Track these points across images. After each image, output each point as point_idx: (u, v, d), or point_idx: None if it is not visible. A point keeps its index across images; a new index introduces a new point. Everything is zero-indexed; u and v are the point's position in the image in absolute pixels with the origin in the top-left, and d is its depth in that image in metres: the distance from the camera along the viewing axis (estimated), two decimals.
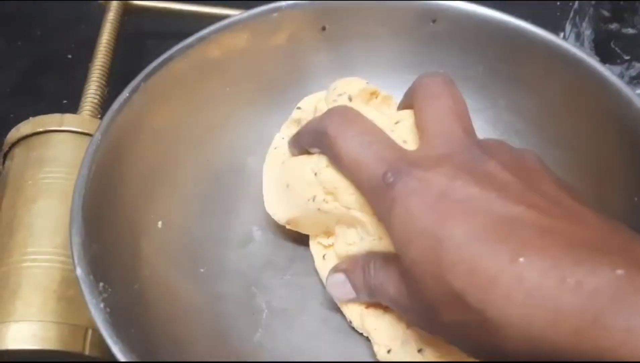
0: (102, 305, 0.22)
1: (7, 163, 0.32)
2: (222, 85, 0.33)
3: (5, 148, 0.32)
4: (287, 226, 0.29)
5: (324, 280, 0.28)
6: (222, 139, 0.33)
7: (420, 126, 0.24)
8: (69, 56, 0.48)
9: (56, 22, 0.50)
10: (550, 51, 0.31)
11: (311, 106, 0.31)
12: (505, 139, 0.32)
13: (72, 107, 0.38)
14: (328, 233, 0.28)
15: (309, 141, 0.27)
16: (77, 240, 0.23)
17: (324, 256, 0.28)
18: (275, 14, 0.33)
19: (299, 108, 0.32)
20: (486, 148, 0.22)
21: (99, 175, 0.26)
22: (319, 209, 0.26)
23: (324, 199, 0.25)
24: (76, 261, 0.23)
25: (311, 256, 0.29)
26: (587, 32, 0.39)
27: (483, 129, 0.32)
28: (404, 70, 0.33)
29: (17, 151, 0.31)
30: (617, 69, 0.38)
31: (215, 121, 0.33)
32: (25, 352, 0.25)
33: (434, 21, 0.33)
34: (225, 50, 0.32)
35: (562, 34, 0.43)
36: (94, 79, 0.38)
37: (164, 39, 0.49)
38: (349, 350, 0.27)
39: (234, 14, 0.44)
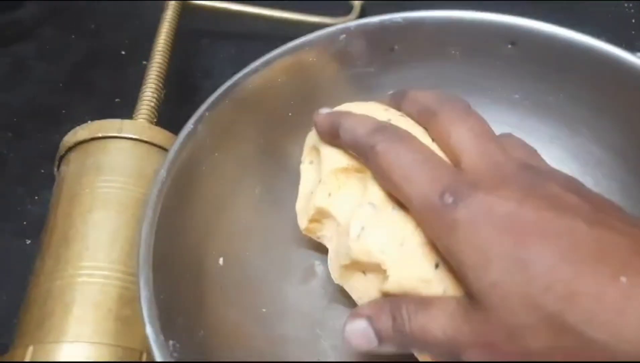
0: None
1: (62, 167, 0.31)
2: (285, 109, 0.31)
3: (61, 151, 0.31)
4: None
5: None
6: (283, 165, 0.31)
7: (455, 147, 0.23)
8: (123, 52, 0.47)
9: (111, 17, 0.49)
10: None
11: None
12: (588, 171, 0.31)
13: (125, 106, 0.37)
14: None
15: (350, 142, 0.26)
16: (145, 294, 0.22)
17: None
18: (342, 36, 0.31)
19: None
20: (537, 170, 0.22)
21: (164, 217, 0.25)
22: None
23: None
24: (146, 319, 0.21)
25: None
26: None
27: (561, 159, 0.31)
28: (477, 94, 0.31)
29: (74, 156, 0.30)
30: None
31: (277, 149, 0.31)
32: None
33: (512, 43, 0.31)
34: (289, 73, 0.31)
35: None
36: (151, 82, 0.36)
37: (218, 38, 0.48)
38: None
39: (290, 16, 0.44)
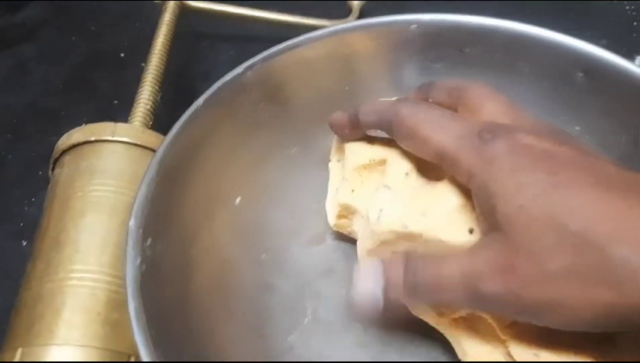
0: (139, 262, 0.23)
1: (56, 170, 0.31)
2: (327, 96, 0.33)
3: (55, 154, 0.31)
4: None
5: None
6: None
7: (487, 118, 0.24)
8: (122, 55, 0.47)
9: (110, 18, 0.49)
10: None
11: None
12: None
13: (123, 108, 0.37)
14: None
15: (372, 121, 0.26)
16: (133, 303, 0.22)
17: None
18: (414, 26, 0.31)
19: None
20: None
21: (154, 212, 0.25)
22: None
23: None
24: (135, 328, 0.22)
25: None
26: None
27: None
28: (537, 114, 0.31)
29: (68, 159, 0.31)
30: None
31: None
32: None
33: (584, 72, 0.30)
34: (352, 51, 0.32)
35: None
36: (147, 84, 0.36)
37: (217, 40, 0.48)
38: None
39: (288, 19, 0.44)
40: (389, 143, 0.29)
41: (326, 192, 0.31)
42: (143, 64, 0.45)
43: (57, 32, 0.49)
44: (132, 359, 0.25)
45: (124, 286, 0.23)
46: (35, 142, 0.41)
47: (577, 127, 0.30)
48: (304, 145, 0.33)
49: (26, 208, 0.38)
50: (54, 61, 0.47)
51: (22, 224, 0.37)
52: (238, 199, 0.30)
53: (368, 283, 0.22)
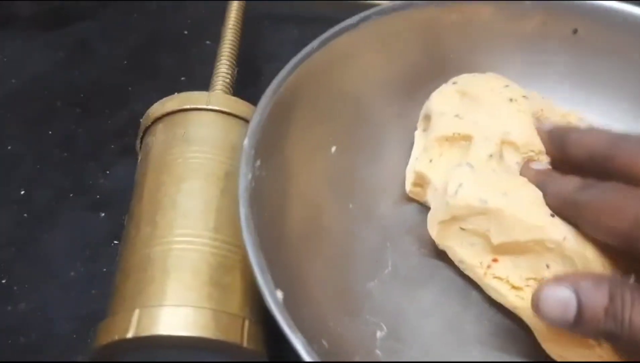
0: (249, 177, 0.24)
1: (149, 138, 0.31)
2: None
3: (146, 122, 0.31)
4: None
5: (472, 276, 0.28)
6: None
7: None
8: (185, 32, 0.47)
9: None
10: None
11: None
12: None
13: (191, 84, 0.37)
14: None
15: (582, 155, 0.26)
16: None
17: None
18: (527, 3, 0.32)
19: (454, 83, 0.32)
20: None
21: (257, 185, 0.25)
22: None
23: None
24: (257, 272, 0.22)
25: None
26: None
27: None
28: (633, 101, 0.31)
29: (161, 127, 0.30)
30: None
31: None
32: (179, 339, 0.24)
33: None
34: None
35: None
36: (224, 58, 0.36)
37: (280, 21, 0.48)
38: (453, 338, 0.27)
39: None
40: (477, 119, 0.29)
41: None
42: (208, 42, 0.45)
43: (118, 10, 0.48)
44: (247, 323, 0.24)
45: (237, 196, 0.24)
46: (105, 117, 0.41)
47: None
48: (404, 107, 0.33)
49: (101, 181, 0.37)
50: (117, 39, 0.46)
51: (98, 196, 0.36)
52: (333, 149, 0.30)
53: (563, 292, 0.21)
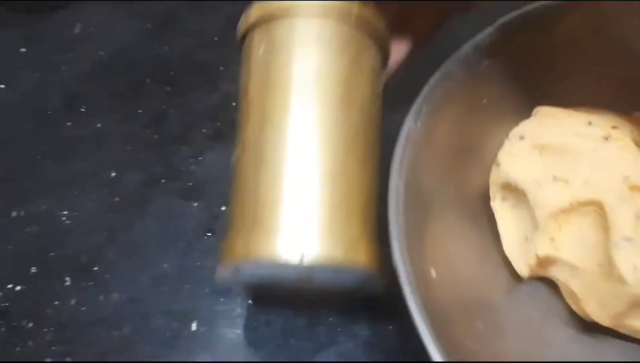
0: None
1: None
2: None
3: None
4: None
5: None
6: None
7: None
8: None
9: None
10: None
11: None
12: None
13: None
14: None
15: None
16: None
17: None
18: None
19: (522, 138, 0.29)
20: None
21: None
22: None
23: None
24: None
25: None
26: None
27: None
28: None
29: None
30: None
31: None
32: None
33: None
34: None
35: None
36: None
37: None
38: None
39: None
40: (584, 177, 0.26)
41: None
42: None
43: None
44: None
45: None
46: (195, 97, 0.39)
47: None
48: None
49: (193, 167, 0.36)
50: (206, 12, 0.44)
51: (190, 184, 0.35)
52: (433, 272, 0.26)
53: None
